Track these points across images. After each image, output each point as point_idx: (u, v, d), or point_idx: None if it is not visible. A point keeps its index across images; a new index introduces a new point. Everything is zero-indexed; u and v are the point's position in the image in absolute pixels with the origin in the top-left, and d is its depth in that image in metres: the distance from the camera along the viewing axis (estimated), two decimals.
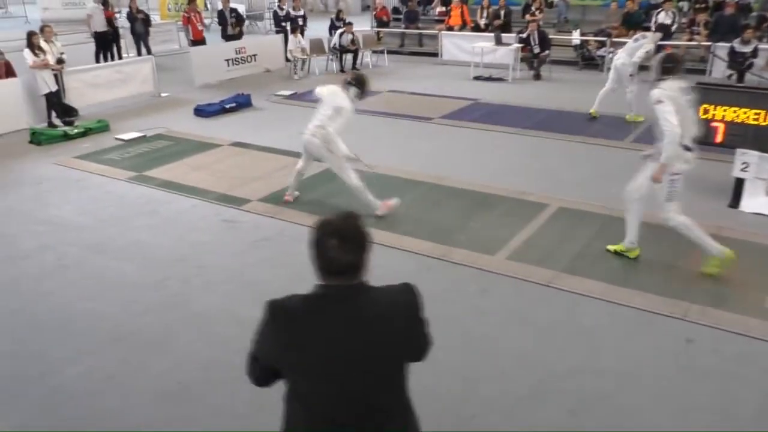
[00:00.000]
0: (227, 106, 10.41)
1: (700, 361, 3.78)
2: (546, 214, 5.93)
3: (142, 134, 8.92)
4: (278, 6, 15.37)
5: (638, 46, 9.07)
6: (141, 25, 14.65)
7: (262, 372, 2.01)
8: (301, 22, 14.78)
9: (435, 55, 15.44)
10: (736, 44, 10.99)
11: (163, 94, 11.53)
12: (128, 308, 4.51)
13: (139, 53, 14.45)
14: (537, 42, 12.99)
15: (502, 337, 4.08)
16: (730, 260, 4.65)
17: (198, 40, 14.30)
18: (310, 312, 1.91)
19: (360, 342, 1.85)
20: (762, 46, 11.33)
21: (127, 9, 15.01)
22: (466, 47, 14.23)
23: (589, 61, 13.84)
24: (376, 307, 1.92)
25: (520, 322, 4.25)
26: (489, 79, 12.97)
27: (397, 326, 1.93)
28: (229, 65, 13.21)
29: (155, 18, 18.52)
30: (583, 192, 6.38)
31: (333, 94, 5.82)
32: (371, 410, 1.91)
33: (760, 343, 3.92)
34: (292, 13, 14.93)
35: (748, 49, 10.91)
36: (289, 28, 14.43)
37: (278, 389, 2.00)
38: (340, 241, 1.85)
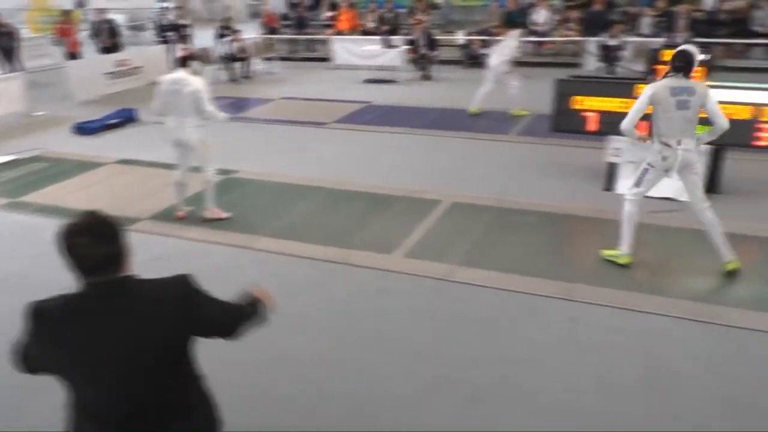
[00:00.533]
0: (110, 122, 9.91)
1: (584, 337, 4.02)
2: (440, 210, 6.09)
3: (14, 157, 8.31)
4: (161, 16, 14.87)
5: (506, 45, 9.62)
6: (6, 40, 13.65)
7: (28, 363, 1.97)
8: (186, 32, 14.37)
9: (327, 59, 15.48)
10: (606, 38, 11.79)
11: (37, 113, 10.80)
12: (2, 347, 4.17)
13: (8, 70, 13.46)
14: (424, 43, 13.33)
15: (403, 334, 4.15)
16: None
17: (75, 54, 13.56)
18: (71, 312, 1.86)
19: (125, 338, 1.82)
20: (628, 39, 12.23)
21: None
22: (357, 51, 14.37)
23: (474, 59, 14.34)
24: (142, 300, 1.90)
25: (419, 317, 4.34)
26: (380, 81, 13.16)
27: (166, 316, 1.90)
28: (110, 79, 12.60)
29: (25, 32, 17.33)
30: (475, 186, 6.61)
31: (177, 83, 5.76)
32: (145, 408, 1.87)
33: (636, 314, 4.23)
34: (177, 22, 14.48)
35: (616, 42, 11.73)
36: (175, 37, 13.98)
37: None
38: (90, 237, 1.83)
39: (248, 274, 5.04)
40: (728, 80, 6.65)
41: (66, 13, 14.00)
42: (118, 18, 16.32)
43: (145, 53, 14.57)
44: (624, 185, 6.34)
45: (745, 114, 5.73)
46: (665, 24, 13.25)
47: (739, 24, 12.71)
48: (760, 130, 5.73)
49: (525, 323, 4.21)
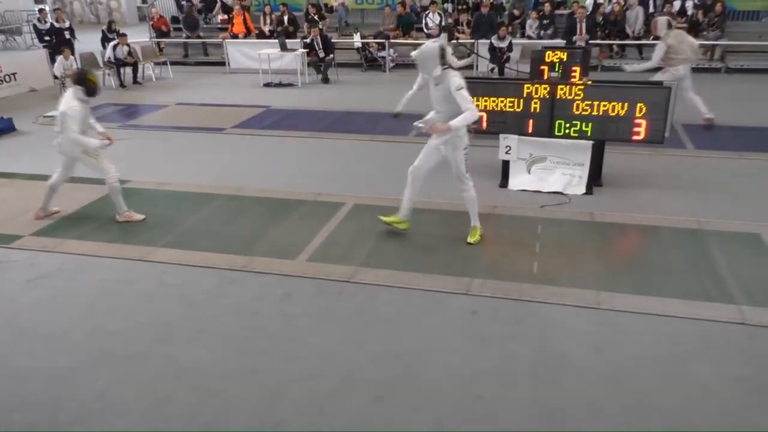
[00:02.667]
0: None
1: (484, 329, 4.17)
2: (343, 213, 6.11)
3: None
4: (38, 19, 13.92)
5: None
6: None
7: None
8: (68, 36, 13.55)
9: (222, 64, 15.13)
10: (494, 40, 12.28)
11: None
12: None
13: None
14: (321, 46, 13.32)
15: (308, 338, 4.13)
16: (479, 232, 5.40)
17: None
18: None
19: None
20: (515, 41, 12.81)
21: None
22: (253, 55, 14.13)
23: (372, 62, 14.52)
24: None
25: (324, 320, 4.34)
26: (279, 85, 13.02)
27: None
28: None
29: None
30: (376, 187, 6.69)
31: (62, 99, 5.73)
32: None
33: (532, 304, 4.44)
34: (57, 25, 13.62)
35: (504, 44, 12.25)
36: (56, 42, 13.14)
37: None
38: None
39: (144, 288, 4.84)
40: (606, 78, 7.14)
41: None
42: None
43: (21, 59, 13.61)
44: (516, 182, 6.67)
45: (622, 110, 6.16)
46: (547, 26, 14.01)
47: (614, 25, 13.66)
48: (636, 125, 6.18)
49: (427, 319, 4.31)
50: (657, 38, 8.46)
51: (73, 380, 3.76)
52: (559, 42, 13.02)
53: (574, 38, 12.49)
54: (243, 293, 4.73)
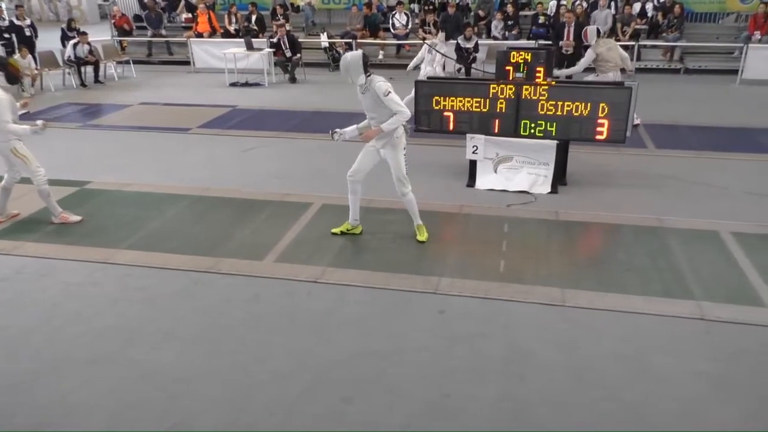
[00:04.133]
0: None
1: (453, 328, 4.20)
2: (310, 213, 6.09)
3: None
4: None
5: (433, 56, 9.86)
6: None
7: None
8: (28, 33, 13.18)
9: (187, 63, 14.94)
10: (461, 41, 12.37)
11: None
12: None
13: None
14: (287, 46, 13.24)
15: (277, 339, 4.10)
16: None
17: None
18: None
19: None
20: (481, 41, 12.93)
21: None
22: (218, 54, 13.99)
23: (339, 62, 14.46)
24: None
25: (292, 321, 4.32)
26: (246, 84, 12.91)
27: None
28: None
29: None
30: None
31: None
32: None
33: (499, 302, 4.49)
34: (17, 22, 13.24)
35: (470, 44, 12.35)
36: (14, 40, 12.77)
37: None
38: None
39: (108, 290, 4.75)
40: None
41: None
42: None
43: None
44: (483, 182, 6.74)
45: (585, 110, 6.27)
46: (512, 27, 14.18)
47: (578, 28, 13.84)
48: (599, 125, 6.30)
49: (396, 319, 4.32)
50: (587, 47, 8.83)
51: (33, 385, 3.66)
52: (526, 43, 13.18)
53: (561, 43, 12.01)
54: (210, 295, 4.67)
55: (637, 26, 14.03)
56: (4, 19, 13.33)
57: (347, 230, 5.57)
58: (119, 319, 4.35)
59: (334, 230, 5.58)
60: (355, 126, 5.39)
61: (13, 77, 5.50)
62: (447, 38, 13.25)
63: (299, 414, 3.42)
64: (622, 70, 8.83)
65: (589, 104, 6.27)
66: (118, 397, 3.56)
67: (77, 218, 5.92)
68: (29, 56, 12.14)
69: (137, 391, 3.61)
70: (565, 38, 11.61)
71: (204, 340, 4.11)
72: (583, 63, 8.81)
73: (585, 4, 14.14)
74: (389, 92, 4.97)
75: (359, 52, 5.20)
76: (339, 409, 3.46)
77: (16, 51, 12.20)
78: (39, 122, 5.66)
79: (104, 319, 4.36)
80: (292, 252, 5.29)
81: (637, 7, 14.50)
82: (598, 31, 9.06)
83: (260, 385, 3.65)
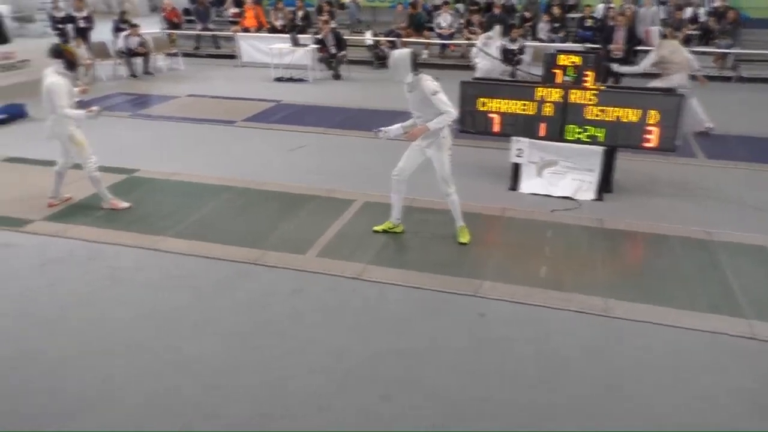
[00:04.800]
0: None
1: (492, 331, 4.18)
2: (353, 210, 6.12)
3: None
4: (53, 7, 13.94)
5: (492, 45, 9.91)
6: None
7: None
8: (83, 24, 13.56)
9: (233, 57, 15.14)
10: (506, 42, 12.25)
11: None
12: None
13: None
14: (333, 43, 13.32)
15: (316, 334, 4.14)
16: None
17: None
18: None
19: None
20: (527, 43, 12.79)
21: None
22: (264, 49, 14.13)
23: (383, 60, 14.49)
24: None
25: (332, 316, 4.35)
26: (290, 80, 13.03)
27: None
28: None
29: None
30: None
31: (43, 77, 5.69)
32: None
33: (539, 308, 4.44)
34: (74, 14, 13.63)
35: (515, 46, 12.24)
36: (71, 31, 13.16)
37: None
38: None
39: (153, 277, 4.87)
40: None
41: None
42: (2, 8, 15.15)
43: (33, 46, 13.63)
44: (527, 185, 6.67)
45: (634, 117, 6.15)
46: (558, 29, 13.98)
47: (628, 31, 13.58)
48: (648, 132, 6.17)
49: (435, 319, 4.31)
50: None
51: (77, 366, 3.78)
52: (572, 46, 12.98)
53: (610, 47, 11.48)
54: (253, 287, 4.74)
55: (689, 32, 13.67)
56: (60, 10, 13.74)
57: (389, 228, 5.58)
58: (162, 306, 4.45)
59: (375, 228, 5.60)
60: (400, 124, 5.39)
61: (72, 63, 5.66)
62: (533, 35, 13.13)
63: (335, 409, 3.45)
64: (692, 77, 8.46)
65: (638, 111, 6.14)
66: (156, 383, 3.64)
67: (126, 205, 6.07)
68: (83, 46, 12.51)
69: (175, 377, 3.69)
70: (614, 42, 11.37)
71: (244, 331, 4.18)
72: (645, 63, 8.49)
73: (634, 7, 13.85)
74: (437, 92, 4.96)
75: (408, 50, 5.19)
76: (375, 406, 3.48)
77: (70, 41, 12.61)
78: (95, 108, 5.83)
79: (147, 304, 4.47)
80: (335, 248, 5.33)
81: (688, 11, 14.14)
82: (662, 32, 8.71)
83: (298, 378, 3.69)
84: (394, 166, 5.39)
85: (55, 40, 13.43)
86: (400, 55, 5.06)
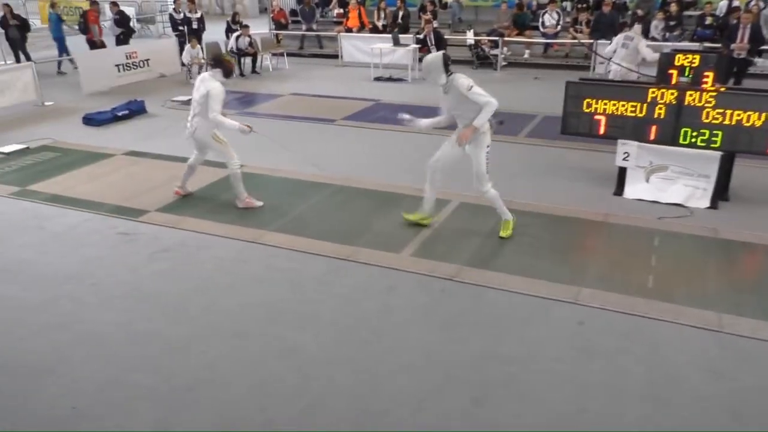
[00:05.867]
0: (119, 114, 9.94)
1: (592, 341, 4.00)
2: (448, 210, 6.08)
3: (25, 146, 8.34)
4: (174, 9, 14.86)
5: (634, 47, 8.91)
6: (16, 31, 13.70)
7: None
8: (195, 26, 14.35)
9: (335, 56, 15.48)
10: (646, 42, 11.69)
11: (47, 103, 10.85)
12: (11, 332, 4.19)
13: (17, 60, 13.52)
14: (433, 42, 13.30)
15: (410, 333, 4.14)
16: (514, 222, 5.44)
17: (96, 42, 13.72)
18: None
19: None
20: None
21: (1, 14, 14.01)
22: (365, 49, 14.36)
23: (483, 60, 14.32)
24: None
25: (426, 316, 4.34)
26: (389, 79, 13.15)
27: None
28: (120, 71, 12.62)
29: (35, 22, 17.39)
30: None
31: (201, 81, 5.95)
32: None
33: (645, 320, 4.21)
34: (188, 15, 14.47)
35: None
36: (186, 31, 13.98)
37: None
38: None
39: (256, 268, 5.06)
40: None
41: (94, 3, 14.21)
42: (130, 11, 16.33)
43: (153, 46, 14.61)
44: (633, 191, 6.34)
45: (758, 121, 5.69)
46: (674, 27, 13.19)
47: (753, 30, 12.60)
48: None
49: (532, 325, 4.19)
50: None
51: (187, 350, 3.99)
52: (689, 45, 12.22)
53: (733, 46, 10.58)
54: (348, 282, 4.82)
55: None
56: (179, 12, 14.62)
57: (420, 220, 5.66)
58: (264, 297, 4.62)
59: (406, 215, 5.73)
60: (430, 120, 5.53)
61: (229, 71, 5.97)
62: (599, 37, 12.65)
63: (429, 409, 3.42)
64: None
65: (763, 114, 5.68)
66: (258, 371, 3.78)
67: (259, 203, 6.27)
68: (198, 46, 13.25)
69: (276, 367, 3.81)
70: (738, 41, 10.57)
71: (340, 326, 4.24)
72: None
73: (762, 4, 12.82)
74: (472, 86, 4.99)
75: (440, 53, 5.27)
76: (468, 409, 3.42)
77: (187, 41, 13.38)
78: (249, 126, 6.00)
79: (251, 295, 4.65)
80: (429, 247, 5.31)
81: None
82: None
83: (391, 376, 3.70)
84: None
85: (173, 40, 14.35)
86: (433, 58, 5.14)
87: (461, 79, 5.04)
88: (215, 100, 5.79)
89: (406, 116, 5.50)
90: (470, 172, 5.38)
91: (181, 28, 14.33)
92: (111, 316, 4.39)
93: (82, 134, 9.10)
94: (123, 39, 13.94)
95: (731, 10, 12.83)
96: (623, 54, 9.08)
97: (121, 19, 14.00)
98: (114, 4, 14.28)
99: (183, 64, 13.49)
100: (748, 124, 5.76)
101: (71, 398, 3.55)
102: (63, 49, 14.51)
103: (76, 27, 15.00)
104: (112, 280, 4.87)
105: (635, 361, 3.80)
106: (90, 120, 9.65)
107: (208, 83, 5.84)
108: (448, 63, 5.08)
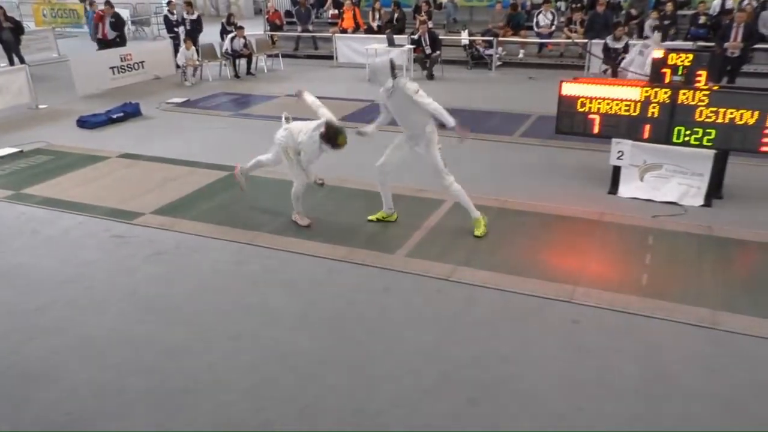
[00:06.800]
0: (114, 116, 9.92)
1: (586, 339, 4.02)
2: (443, 210, 6.09)
3: (19, 149, 8.32)
4: (168, 11, 14.84)
5: (648, 54, 8.38)
6: (9, 34, 13.67)
7: None
8: (189, 27, 14.32)
9: (330, 57, 15.48)
10: (609, 41, 11.76)
11: (41, 106, 10.82)
12: (7, 337, 4.19)
13: (11, 63, 13.48)
14: (428, 43, 13.32)
15: (405, 333, 4.15)
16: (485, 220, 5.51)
17: (106, 42, 13.73)
18: None
19: None
20: (632, 42, 12.19)
21: None
22: (360, 49, 14.37)
23: (478, 60, 14.34)
24: None
25: (421, 316, 4.34)
26: None
27: None
28: (114, 73, 12.61)
29: (29, 25, 17.34)
30: (477, 186, 6.57)
31: (303, 127, 5.70)
32: None
33: (639, 318, 4.22)
34: (185, 16, 14.45)
35: (619, 45, 11.69)
36: (182, 33, 13.97)
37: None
38: None
39: (251, 270, 5.06)
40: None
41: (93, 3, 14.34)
42: (124, 13, 16.30)
43: (148, 48, 14.58)
44: (627, 189, 6.36)
45: (751, 119, 5.72)
46: (668, 27, 13.22)
47: (747, 29, 12.66)
48: (766, 135, 5.72)
49: (527, 324, 4.21)
50: None
51: (184, 352, 3.99)
52: (683, 44, 12.27)
53: (726, 45, 10.71)
54: (343, 283, 4.82)
55: None
56: (174, 14, 14.60)
57: (383, 218, 5.86)
58: (260, 299, 4.62)
59: (370, 217, 5.88)
60: (374, 124, 5.79)
61: (336, 147, 5.58)
62: (593, 37, 12.66)
63: (425, 410, 3.43)
64: None
65: (756, 112, 5.70)
66: (255, 373, 3.78)
67: (307, 222, 5.84)
68: (193, 48, 13.23)
69: (273, 369, 3.81)
70: (732, 39, 10.60)
71: (335, 328, 4.25)
72: None
73: (755, 3, 12.87)
74: (418, 90, 5.18)
75: (388, 57, 5.49)
76: (464, 409, 3.43)
77: (182, 42, 13.38)
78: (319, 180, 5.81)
79: (247, 297, 4.65)
80: (424, 248, 5.32)
81: None
82: None
83: (387, 377, 3.71)
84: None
85: (167, 42, 14.33)
86: (381, 62, 5.38)
87: (408, 83, 5.19)
88: (305, 154, 5.59)
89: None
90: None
91: (176, 29, 14.31)
92: (106, 319, 4.39)
93: (77, 137, 9.08)
94: (119, 42, 13.90)
95: (724, 11, 12.89)
96: (640, 62, 8.93)
97: (117, 22, 13.95)
98: (109, 5, 14.21)
99: (178, 66, 13.48)
100: (741, 123, 5.78)
101: (67, 403, 3.55)
102: None
103: (70, 28, 15.01)
104: (108, 284, 4.87)
105: (630, 359, 3.82)
106: (84, 122, 9.63)
107: (308, 136, 5.53)
108: (394, 67, 5.25)
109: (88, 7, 15.38)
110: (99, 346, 4.08)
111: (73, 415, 3.46)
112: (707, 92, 5.86)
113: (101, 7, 14.61)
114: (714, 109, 5.84)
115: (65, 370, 3.84)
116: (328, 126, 5.46)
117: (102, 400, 3.56)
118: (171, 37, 14.51)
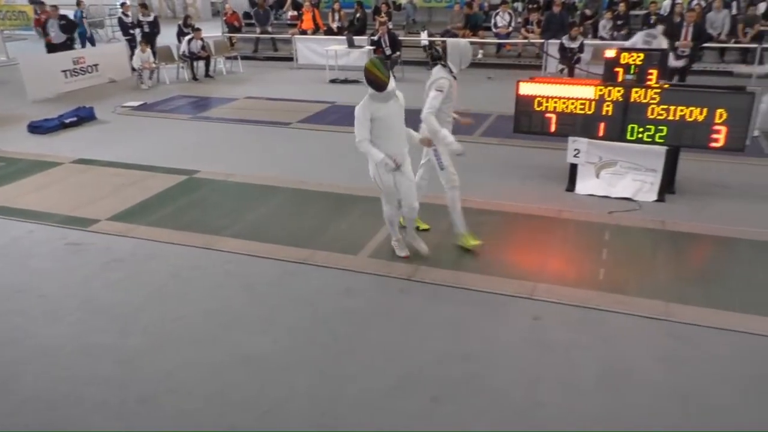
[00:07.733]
0: (67, 121, 9.66)
1: (547, 335, 4.08)
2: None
3: None
4: (122, 13, 14.52)
5: (657, 46, 8.73)
6: None
7: None
8: (147, 29, 14.04)
9: (290, 59, 15.38)
10: (565, 40, 11.99)
11: None
12: None
13: None
14: (388, 44, 13.36)
15: (368, 334, 4.14)
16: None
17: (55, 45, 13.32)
18: None
19: None
20: (587, 41, 12.47)
21: None
22: (320, 51, 14.32)
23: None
24: None
25: (384, 317, 4.35)
26: (345, 81, 13.13)
27: None
28: (67, 76, 12.28)
29: None
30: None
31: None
32: None
33: (598, 312, 4.31)
34: (141, 19, 14.15)
35: (575, 44, 11.94)
36: (138, 35, 13.69)
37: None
38: None
39: (211, 275, 4.98)
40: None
41: (42, 5, 13.84)
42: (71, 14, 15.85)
43: (102, 51, 14.26)
44: (584, 186, 6.49)
45: (700, 116, 5.90)
46: (621, 26, 13.55)
47: (696, 28, 13.04)
48: (715, 131, 5.91)
49: (489, 322, 4.25)
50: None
51: (142, 360, 3.91)
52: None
53: (677, 44, 10.80)
54: (305, 286, 4.79)
55: (762, 28, 13.01)
56: (128, 16, 14.30)
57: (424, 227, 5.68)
58: (220, 303, 4.56)
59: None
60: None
61: (373, 79, 5.16)
62: (550, 37, 12.87)
63: (388, 410, 3.44)
64: None
65: (704, 109, 5.89)
66: (217, 378, 3.72)
67: (405, 254, 5.20)
68: (148, 50, 12.98)
69: (235, 374, 3.76)
70: (682, 38, 10.91)
71: (298, 330, 4.22)
72: None
73: (703, 3, 13.29)
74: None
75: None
76: (428, 408, 3.45)
77: (138, 45, 13.11)
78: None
79: (206, 302, 4.58)
80: (386, 248, 5.32)
81: (762, 7, 13.46)
82: None
83: (350, 378, 3.70)
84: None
85: (122, 44, 14.03)
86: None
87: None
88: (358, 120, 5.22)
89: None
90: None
91: (132, 32, 14.02)
92: (62, 329, 4.26)
93: (28, 143, 8.82)
94: (69, 45, 13.54)
95: (674, 8, 13.24)
96: None
97: (67, 25, 13.59)
98: (54, 8, 13.79)
99: (134, 69, 13.21)
100: (691, 120, 5.96)
101: (22, 416, 3.44)
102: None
103: (19, 30, 14.56)
104: (62, 293, 4.74)
105: (590, 353, 3.89)
106: (36, 128, 9.35)
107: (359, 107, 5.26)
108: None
109: (38, 11, 14.93)
110: (53, 356, 3.96)
111: (29, 427, 3.35)
112: (658, 90, 6.02)
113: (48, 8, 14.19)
114: (665, 106, 6.01)
115: (20, 382, 3.72)
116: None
117: (58, 411, 3.46)
118: (127, 40, 14.20)
